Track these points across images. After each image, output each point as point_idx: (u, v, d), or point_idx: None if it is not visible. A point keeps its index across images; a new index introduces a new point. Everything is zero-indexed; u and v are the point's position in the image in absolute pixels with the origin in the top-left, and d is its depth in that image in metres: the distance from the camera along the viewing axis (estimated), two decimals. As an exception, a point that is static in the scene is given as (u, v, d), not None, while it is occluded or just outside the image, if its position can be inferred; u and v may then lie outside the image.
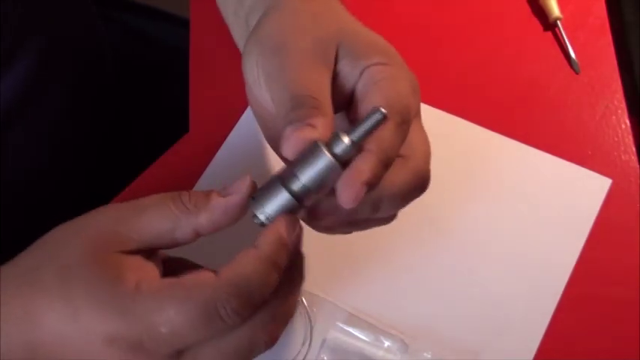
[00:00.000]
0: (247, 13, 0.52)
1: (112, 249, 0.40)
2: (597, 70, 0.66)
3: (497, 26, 0.69)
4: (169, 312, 0.38)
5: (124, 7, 0.88)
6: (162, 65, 0.83)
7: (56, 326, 0.39)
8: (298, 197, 0.40)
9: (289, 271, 0.41)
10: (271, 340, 0.41)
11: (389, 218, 0.45)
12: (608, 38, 0.68)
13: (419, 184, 0.43)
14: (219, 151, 0.63)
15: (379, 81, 0.43)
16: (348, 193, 0.39)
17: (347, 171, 0.39)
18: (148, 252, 0.41)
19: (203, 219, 0.40)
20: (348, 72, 0.44)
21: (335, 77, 0.45)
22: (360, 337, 0.56)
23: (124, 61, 0.80)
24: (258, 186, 0.41)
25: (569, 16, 0.68)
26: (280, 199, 0.40)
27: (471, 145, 0.63)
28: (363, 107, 0.43)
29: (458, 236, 0.60)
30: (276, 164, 0.61)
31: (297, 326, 0.56)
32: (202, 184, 0.62)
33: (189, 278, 0.39)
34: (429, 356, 0.55)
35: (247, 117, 0.65)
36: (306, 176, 0.39)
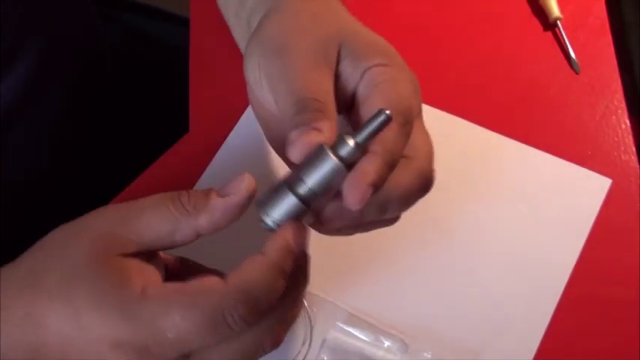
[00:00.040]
0: (249, 15, 0.52)
1: (113, 252, 0.40)
2: (597, 70, 0.66)
3: (497, 26, 0.69)
4: (175, 317, 0.38)
5: (124, 7, 0.88)
6: (162, 65, 0.83)
7: (60, 328, 0.39)
8: (305, 201, 0.40)
9: (294, 274, 0.41)
10: (277, 342, 0.41)
11: (393, 219, 0.45)
12: (608, 38, 0.68)
13: (423, 184, 0.44)
14: (219, 151, 0.63)
15: (380, 83, 0.43)
16: (354, 195, 0.39)
17: (352, 173, 0.39)
18: (149, 254, 0.41)
19: (203, 220, 0.40)
20: (349, 73, 0.45)
21: (336, 79, 0.45)
22: (360, 337, 0.56)
23: (124, 61, 0.80)
24: (263, 189, 0.41)
25: (569, 16, 0.68)
26: (287, 203, 0.40)
27: (471, 145, 0.63)
28: (365, 109, 0.43)
29: (458, 236, 0.60)
30: (277, 164, 0.61)
31: (297, 326, 0.56)
32: (202, 184, 0.62)
33: (196, 284, 0.39)
34: (429, 356, 0.55)
35: (247, 117, 0.65)
36: (313, 180, 0.39)
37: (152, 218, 0.40)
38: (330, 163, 0.39)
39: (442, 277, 0.58)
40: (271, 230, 0.41)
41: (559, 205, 0.60)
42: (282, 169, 0.61)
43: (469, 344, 0.56)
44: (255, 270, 0.39)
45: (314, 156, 0.40)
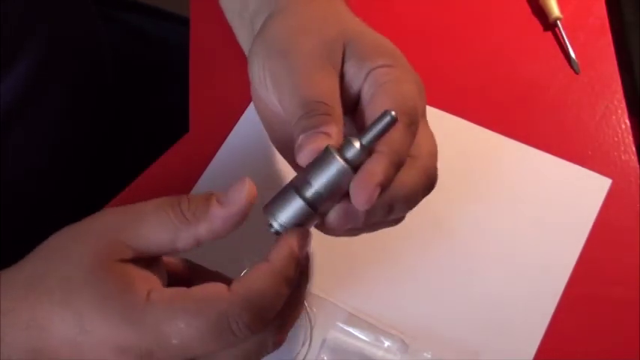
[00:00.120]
0: (252, 16, 0.52)
1: (114, 257, 0.40)
2: (597, 70, 0.66)
3: (497, 26, 0.69)
4: (180, 324, 0.38)
5: (124, 7, 0.88)
6: (162, 65, 0.83)
7: (63, 333, 0.39)
8: (312, 204, 0.40)
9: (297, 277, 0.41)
10: (278, 343, 0.41)
11: (398, 220, 0.45)
12: (608, 38, 0.68)
13: (427, 184, 0.44)
14: (219, 151, 0.63)
15: (385, 83, 0.43)
16: (362, 196, 0.39)
17: (359, 174, 0.39)
18: (150, 258, 0.41)
19: (203, 229, 0.40)
20: (354, 74, 0.45)
21: (341, 79, 0.45)
22: (360, 337, 0.56)
23: (124, 61, 0.80)
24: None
25: (569, 16, 0.68)
26: (294, 207, 0.40)
27: (471, 145, 0.63)
28: (370, 110, 0.43)
29: (458, 236, 0.60)
30: (277, 164, 0.61)
31: (297, 326, 0.56)
32: (202, 184, 0.62)
33: (201, 290, 0.39)
34: (429, 356, 0.55)
35: (247, 117, 0.65)
36: (319, 183, 0.39)
37: (152, 226, 0.40)
38: (336, 166, 0.39)
39: (442, 276, 0.58)
40: (278, 234, 0.41)
41: (559, 205, 0.60)
42: (282, 169, 0.61)
43: (469, 344, 0.56)
44: (260, 278, 0.39)
45: (320, 159, 0.40)
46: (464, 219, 0.60)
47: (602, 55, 0.67)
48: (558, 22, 0.67)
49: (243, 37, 0.56)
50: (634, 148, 0.63)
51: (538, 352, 0.55)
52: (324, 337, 0.56)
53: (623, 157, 0.63)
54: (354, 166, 0.39)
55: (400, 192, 0.42)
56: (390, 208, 0.42)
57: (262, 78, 0.46)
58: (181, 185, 0.62)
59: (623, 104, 0.65)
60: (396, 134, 0.40)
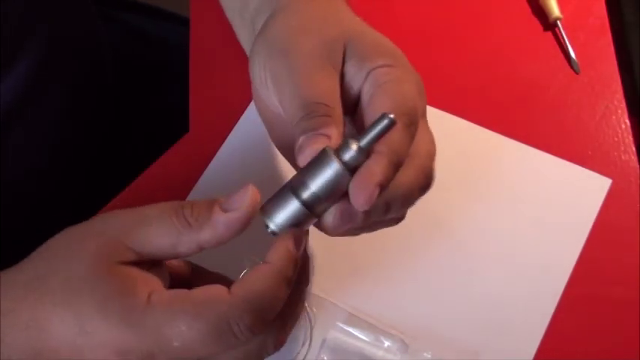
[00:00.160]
0: (253, 16, 0.52)
1: (116, 259, 0.40)
2: (597, 70, 0.66)
3: (497, 26, 0.69)
4: (181, 326, 0.38)
5: (124, 7, 0.88)
6: (162, 65, 0.83)
7: (63, 334, 0.39)
8: (309, 206, 0.40)
9: (297, 277, 0.41)
10: (280, 344, 0.41)
11: (398, 219, 0.45)
12: (608, 38, 0.68)
13: (424, 183, 0.44)
14: (219, 151, 0.63)
15: (385, 83, 0.43)
16: (361, 196, 0.39)
17: (359, 173, 0.39)
18: (152, 261, 0.41)
19: (206, 234, 0.40)
20: (354, 74, 0.45)
21: (341, 79, 0.45)
22: (360, 337, 0.56)
23: (124, 61, 0.80)
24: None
25: (569, 16, 0.68)
26: (290, 208, 0.40)
27: (471, 145, 0.63)
28: (370, 110, 0.43)
29: (458, 236, 0.60)
30: (277, 164, 0.61)
31: (297, 326, 0.56)
32: (202, 184, 0.62)
33: (202, 293, 0.39)
34: (429, 356, 0.55)
35: (247, 117, 0.65)
36: (316, 184, 0.39)
37: (155, 230, 0.40)
38: (333, 168, 0.39)
39: (442, 276, 0.58)
40: (275, 234, 0.41)
41: (559, 205, 0.60)
42: (283, 169, 0.61)
43: (469, 344, 0.56)
44: (259, 279, 0.39)
45: (317, 160, 0.40)
46: (464, 219, 0.60)
47: (602, 55, 0.67)
48: (558, 22, 0.67)
49: (244, 37, 0.56)
50: (634, 148, 0.63)
51: (538, 352, 0.55)
52: (324, 337, 0.56)
53: (623, 157, 0.63)
54: (351, 168, 0.39)
55: (398, 192, 0.42)
56: (387, 208, 0.42)
57: (263, 78, 0.46)
58: (181, 185, 0.62)
59: (623, 104, 0.65)
60: (396, 134, 0.40)
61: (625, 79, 0.66)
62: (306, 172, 0.40)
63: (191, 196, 0.61)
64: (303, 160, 0.40)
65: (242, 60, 0.52)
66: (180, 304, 0.38)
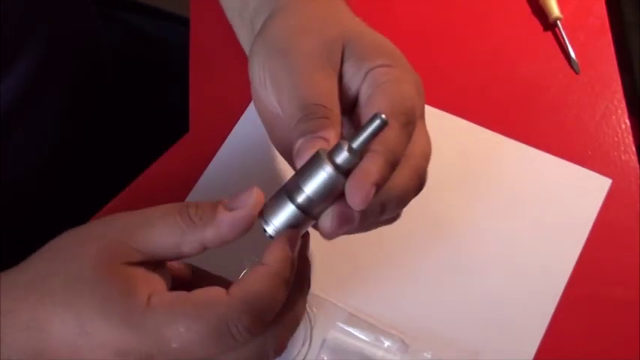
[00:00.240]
0: (252, 16, 0.52)
1: (119, 260, 0.40)
2: (597, 70, 0.66)
3: (497, 26, 0.69)
4: (180, 328, 0.38)
5: (124, 7, 0.88)
6: (162, 65, 0.83)
7: (64, 335, 0.39)
8: (304, 209, 0.40)
9: (296, 279, 0.41)
10: (280, 348, 0.41)
11: (392, 218, 0.45)
12: (608, 38, 0.68)
13: (417, 185, 0.43)
14: (219, 151, 0.63)
15: (383, 83, 0.43)
16: (357, 196, 0.39)
17: (355, 173, 0.39)
18: (155, 263, 0.41)
19: (209, 233, 0.40)
20: (353, 74, 0.44)
21: (339, 79, 0.45)
22: (360, 337, 0.56)
23: (124, 61, 0.80)
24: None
25: (569, 16, 0.68)
26: (286, 212, 0.40)
27: (471, 145, 0.63)
28: (368, 111, 0.43)
29: (458, 236, 0.60)
30: (277, 164, 0.61)
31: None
32: (202, 184, 0.62)
33: (201, 294, 0.39)
34: (429, 356, 0.55)
35: (247, 117, 0.65)
36: (310, 188, 0.39)
37: (159, 229, 0.40)
38: (326, 171, 0.39)
39: (442, 277, 0.58)
40: (272, 238, 0.41)
41: (559, 205, 0.60)
42: (282, 169, 0.61)
43: (469, 344, 0.56)
44: (257, 281, 0.39)
45: (311, 163, 0.40)
46: (464, 219, 0.60)
47: (602, 55, 0.67)
48: (558, 22, 0.67)
49: (244, 37, 0.56)
50: (634, 148, 0.63)
51: (538, 352, 0.56)
52: (324, 337, 0.56)
53: (623, 157, 0.63)
54: (344, 170, 0.39)
55: (393, 193, 0.41)
56: (382, 209, 0.42)
57: (262, 78, 0.46)
58: (181, 185, 0.62)
59: (623, 104, 0.65)
60: (392, 133, 0.40)
61: (625, 79, 0.66)
62: (300, 176, 0.40)
63: (191, 197, 0.61)
64: (300, 163, 0.40)
65: (242, 60, 0.52)
66: (180, 305, 0.39)
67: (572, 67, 0.66)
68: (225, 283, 0.41)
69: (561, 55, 0.67)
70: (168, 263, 0.43)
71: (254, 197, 0.40)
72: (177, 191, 0.61)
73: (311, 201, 0.39)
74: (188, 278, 0.45)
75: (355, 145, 0.39)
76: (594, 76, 0.66)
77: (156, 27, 0.87)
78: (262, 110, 0.49)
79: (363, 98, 0.44)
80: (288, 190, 0.40)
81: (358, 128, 0.41)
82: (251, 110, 0.64)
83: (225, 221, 0.40)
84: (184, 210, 0.40)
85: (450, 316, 0.57)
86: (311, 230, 0.42)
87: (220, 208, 0.40)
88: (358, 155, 0.39)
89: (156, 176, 0.63)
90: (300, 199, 0.40)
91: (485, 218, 0.60)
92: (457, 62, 0.67)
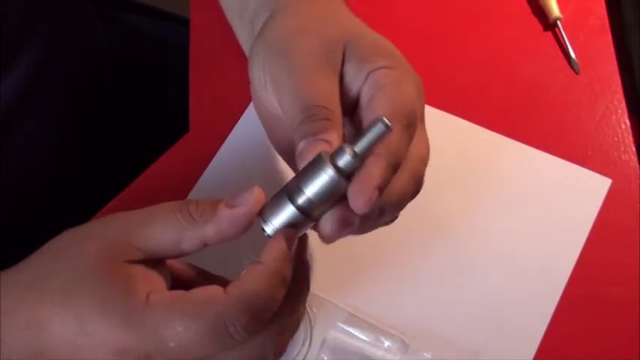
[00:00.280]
0: (252, 16, 0.52)
1: (119, 259, 0.40)
2: (597, 70, 0.66)
3: (497, 26, 0.69)
4: (178, 327, 0.38)
5: (124, 7, 0.88)
6: (162, 65, 0.83)
7: (64, 334, 0.39)
8: (304, 211, 0.40)
9: (296, 281, 0.41)
10: (280, 351, 0.41)
11: (390, 221, 0.45)
12: (608, 38, 0.68)
13: (414, 188, 0.44)
14: (219, 151, 0.63)
15: (384, 85, 0.43)
16: (360, 199, 0.39)
17: (358, 177, 0.39)
18: (155, 261, 0.41)
19: (210, 230, 0.40)
20: (354, 75, 0.44)
21: (340, 80, 0.45)
22: (360, 337, 0.56)
23: (124, 61, 0.80)
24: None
25: (569, 16, 0.68)
26: (286, 213, 0.40)
27: (471, 145, 0.63)
28: (369, 112, 0.43)
29: (458, 236, 0.60)
30: (276, 164, 0.61)
31: (297, 326, 0.56)
32: (202, 184, 0.62)
33: (199, 293, 0.39)
34: (429, 356, 0.55)
35: (247, 117, 0.65)
36: (311, 190, 0.39)
37: (159, 227, 0.40)
38: (328, 174, 0.39)
39: (442, 277, 0.58)
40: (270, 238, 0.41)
41: (559, 205, 0.60)
42: (282, 170, 0.61)
43: (469, 344, 0.56)
44: (255, 279, 0.39)
45: (312, 166, 0.39)
46: (464, 219, 0.60)
47: (602, 55, 0.67)
48: (558, 22, 0.67)
49: (243, 37, 0.56)
50: (634, 148, 0.63)
51: (538, 352, 0.55)
52: (324, 337, 0.56)
53: (623, 157, 0.63)
54: (346, 173, 0.39)
55: (392, 197, 0.41)
56: (381, 212, 0.42)
57: (262, 79, 0.46)
58: (181, 185, 0.62)
59: (623, 104, 0.65)
60: (394, 136, 0.40)
61: (625, 79, 0.66)
62: (301, 178, 0.40)
63: (191, 196, 0.61)
64: (303, 165, 0.40)
65: (242, 60, 0.52)
66: (178, 304, 0.39)
67: (572, 67, 0.66)
68: (226, 283, 0.41)
69: (561, 55, 0.67)
70: (168, 262, 0.43)
71: (255, 195, 0.40)
72: (177, 191, 0.61)
73: (311, 203, 0.39)
74: (192, 279, 0.45)
75: (358, 149, 0.39)
76: (594, 76, 0.66)
77: (155, 27, 0.87)
78: (262, 111, 0.49)
79: (364, 100, 0.44)
80: (289, 191, 0.40)
81: (359, 130, 0.41)
82: (251, 110, 0.64)
83: (226, 218, 0.40)
84: (185, 207, 0.40)
85: (450, 316, 0.57)
86: (310, 231, 0.42)
87: (221, 205, 0.40)
88: (360, 159, 0.39)
89: (156, 176, 0.63)
90: (301, 200, 0.40)
91: (485, 218, 0.60)
92: (457, 62, 0.67)
